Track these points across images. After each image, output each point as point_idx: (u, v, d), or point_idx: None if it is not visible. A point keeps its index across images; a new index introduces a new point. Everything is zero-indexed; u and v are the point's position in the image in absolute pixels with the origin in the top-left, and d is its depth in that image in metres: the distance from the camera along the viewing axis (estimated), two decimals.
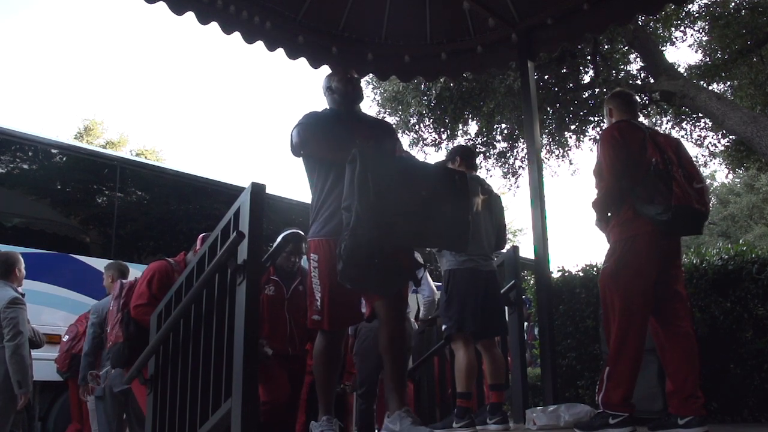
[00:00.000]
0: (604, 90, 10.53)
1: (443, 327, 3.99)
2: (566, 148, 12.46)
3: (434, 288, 5.99)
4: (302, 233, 4.18)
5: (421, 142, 11.94)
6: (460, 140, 11.84)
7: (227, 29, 4.48)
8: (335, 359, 3.04)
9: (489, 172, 12.55)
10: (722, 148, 12.50)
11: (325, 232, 2.90)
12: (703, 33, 11.99)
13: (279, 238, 4.09)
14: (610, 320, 2.99)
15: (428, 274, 6.13)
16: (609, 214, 3.09)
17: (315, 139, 2.94)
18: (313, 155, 2.98)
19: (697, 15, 11.52)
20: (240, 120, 41.89)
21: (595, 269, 4.84)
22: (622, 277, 2.95)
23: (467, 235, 2.82)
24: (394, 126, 3.62)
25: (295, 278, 4.19)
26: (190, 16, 4.25)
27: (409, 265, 2.86)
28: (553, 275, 4.95)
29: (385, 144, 3.06)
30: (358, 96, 3.17)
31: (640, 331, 2.91)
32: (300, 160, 3.07)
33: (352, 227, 2.51)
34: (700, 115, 11.21)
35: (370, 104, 12.07)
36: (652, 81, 10.64)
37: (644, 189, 2.91)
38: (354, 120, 3.11)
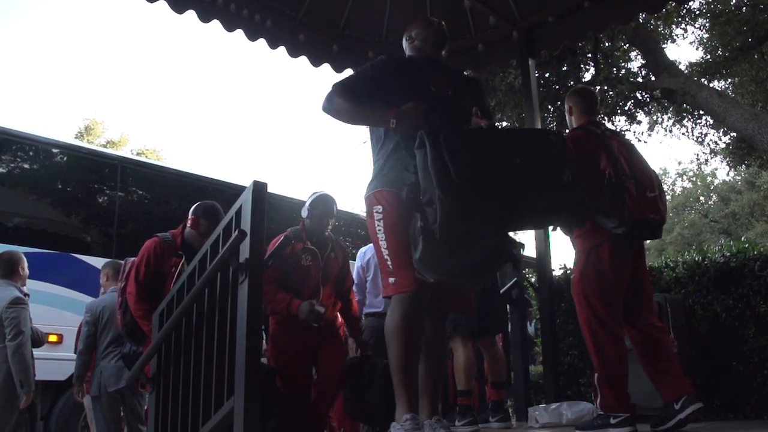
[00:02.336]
0: (605, 88, 10.51)
1: None
2: None
3: None
4: (330, 194, 4.00)
5: None
6: None
7: (228, 27, 4.48)
8: (417, 335, 2.42)
9: None
10: (723, 145, 12.52)
11: (388, 184, 2.50)
12: (704, 30, 12.01)
13: (308, 201, 3.92)
14: (584, 328, 3.02)
15: None
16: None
17: (348, 100, 2.55)
18: (339, 119, 2.62)
19: (697, 12, 11.52)
20: (241, 118, 41.92)
21: None
22: (590, 286, 2.97)
23: (584, 205, 2.39)
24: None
25: (327, 246, 3.93)
26: (191, 14, 4.25)
27: (506, 247, 2.37)
28: (554, 273, 4.95)
29: (464, 96, 2.65)
30: (441, 39, 2.81)
31: (614, 335, 2.94)
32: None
33: (439, 223, 2.09)
34: (701, 112, 11.21)
35: None
36: (653, 78, 10.63)
37: (599, 201, 2.92)
38: (433, 66, 2.74)
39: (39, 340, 4.68)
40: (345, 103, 2.58)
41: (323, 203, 3.92)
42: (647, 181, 2.99)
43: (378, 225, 2.47)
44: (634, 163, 3.02)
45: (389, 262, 2.41)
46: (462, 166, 2.11)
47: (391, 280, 2.40)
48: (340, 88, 2.61)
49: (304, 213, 3.92)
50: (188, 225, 3.84)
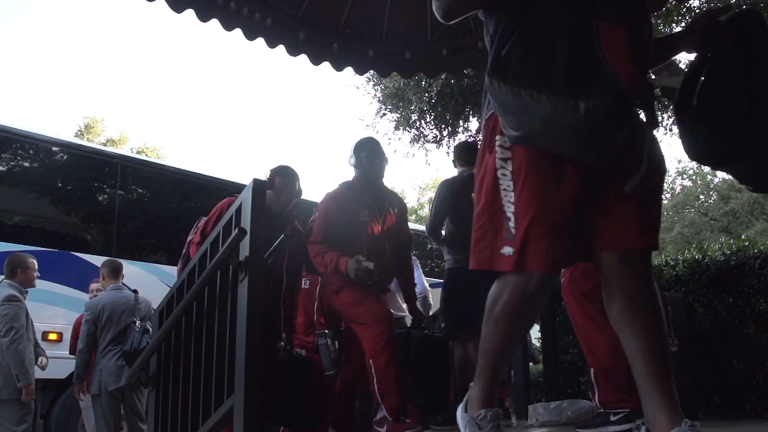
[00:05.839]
0: None
1: (443, 325, 4.01)
2: None
3: (426, 284, 6.02)
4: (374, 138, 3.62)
5: (422, 139, 11.92)
6: (461, 137, 11.82)
7: (228, 26, 4.47)
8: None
9: None
10: None
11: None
12: None
13: (351, 149, 3.53)
14: (576, 328, 3.07)
15: (420, 270, 6.03)
16: None
17: None
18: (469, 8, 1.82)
19: (697, 11, 11.50)
20: (241, 117, 41.92)
21: None
22: (578, 286, 3.03)
23: None
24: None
25: (384, 198, 3.55)
26: (189, 13, 4.24)
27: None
28: None
29: None
30: None
31: (604, 330, 2.95)
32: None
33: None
34: None
35: (371, 101, 12.09)
36: (653, 77, 10.61)
37: None
38: None
39: (37, 355, 4.72)
40: None
41: (369, 143, 3.55)
42: None
43: (501, 166, 1.68)
44: None
45: (512, 224, 1.64)
46: None
47: (507, 251, 1.66)
48: None
49: (352, 161, 3.54)
50: None
